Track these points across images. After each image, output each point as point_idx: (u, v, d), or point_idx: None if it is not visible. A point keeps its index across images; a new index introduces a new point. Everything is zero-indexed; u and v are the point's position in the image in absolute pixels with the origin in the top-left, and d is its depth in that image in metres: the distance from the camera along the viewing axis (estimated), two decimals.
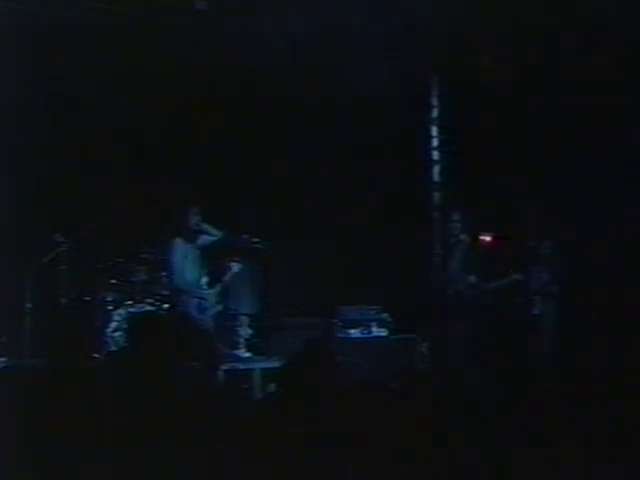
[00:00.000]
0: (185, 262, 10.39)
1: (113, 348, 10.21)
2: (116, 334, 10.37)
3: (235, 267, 10.68)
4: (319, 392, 4.84)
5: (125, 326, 9.97)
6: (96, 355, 10.18)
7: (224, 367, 10.17)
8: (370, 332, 10.56)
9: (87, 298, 10.83)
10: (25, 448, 4.46)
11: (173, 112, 11.37)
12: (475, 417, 4.86)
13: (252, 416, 4.89)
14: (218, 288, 10.58)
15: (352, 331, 10.53)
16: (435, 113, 11.73)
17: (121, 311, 10.54)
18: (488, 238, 10.72)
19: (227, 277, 10.65)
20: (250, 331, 11.22)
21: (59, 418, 4.59)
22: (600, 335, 9.79)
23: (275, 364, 9.10)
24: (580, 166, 10.91)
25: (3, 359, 9.46)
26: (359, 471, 4.54)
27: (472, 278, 10.52)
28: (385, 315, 10.65)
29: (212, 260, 10.80)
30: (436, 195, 11.75)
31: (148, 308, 10.58)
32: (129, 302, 10.64)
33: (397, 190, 11.53)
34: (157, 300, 10.79)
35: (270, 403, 4.99)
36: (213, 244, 10.65)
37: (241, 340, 11.13)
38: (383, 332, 10.58)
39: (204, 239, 10.57)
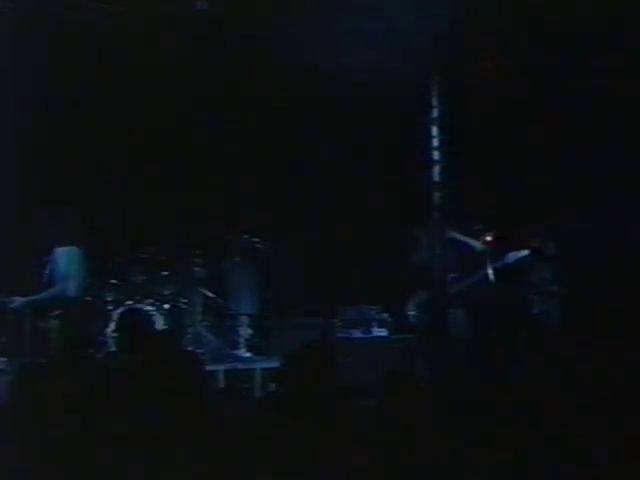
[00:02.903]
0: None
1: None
2: (116, 334, 10.36)
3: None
4: (318, 393, 4.84)
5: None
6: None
7: (224, 367, 10.22)
8: (370, 332, 10.56)
9: (87, 298, 10.83)
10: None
11: (173, 112, 11.38)
12: (474, 418, 4.86)
13: (251, 416, 4.89)
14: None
15: (352, 331, 10.53)
16: (435, 113, 11.73)
17: (121, 311, 10.54)
18: (489, 238, 10.72)
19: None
20: (250, 331, 11.24)
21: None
22: (602, 335, 9.78)
23: (275, 364, 9.10)
24: (581, 165, 10.91)
25: (3, 359, 9.46)
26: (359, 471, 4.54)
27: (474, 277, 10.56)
28: (385, 315, 10.65)
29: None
30: (437, 195, 11.74)
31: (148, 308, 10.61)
32: (129, 302, 10.65)
33: (397, 190, 11.53)
34: (157, 300, 10.81)
35: (266, 406, 4.99)
36: None
37: (241, 340, 11.15)
38: (383, 332, 10.58)
39: None
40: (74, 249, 9.75)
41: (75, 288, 9.62)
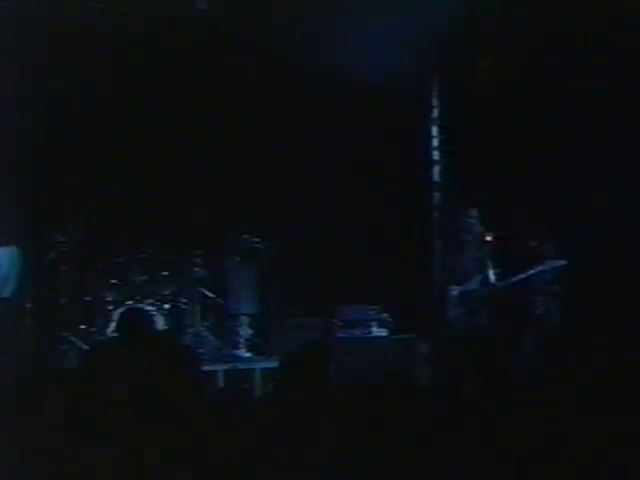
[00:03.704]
0: None
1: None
2: (116, 333, 10.36)
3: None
4: (316, 393, 4.84)
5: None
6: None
7: (224, 367, 10.23)
8: (370, 332, 10.56)
9: (87, 298, 10.85)
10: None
11: (173, 112, 11.38)
12: (474, 419, 4.86)
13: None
14: None
15: (352, 331, 10.52)
16: (435, 113, 11.73)
17: (121, 311, 10.54)
18: (489, 238, 10.72)
19: None
20: (250, 331, 11.24)
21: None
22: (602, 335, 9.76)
23: (275, 364, 9.10)
24: (581, 165, 10.91)
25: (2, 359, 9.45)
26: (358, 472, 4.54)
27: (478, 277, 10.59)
28: (385, 315, 10.65)
29: None
30: (436, 195, 11.75)
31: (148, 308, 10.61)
32: (129, 302, 10.65)
33: (397, 190, 11.54)
34: (157, 300, 10.81)
35: (265, 406, 5.00)
36: None
37: (241, 340, 11.15)
38: (383, 332, 10.58)
39: None
40: (15, 249, 9.67)
41: (12, 290, 9.53)
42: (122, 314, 9.71)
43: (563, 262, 10.45)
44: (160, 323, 10.47)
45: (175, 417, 4.69)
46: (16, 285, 9.63)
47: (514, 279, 10.52)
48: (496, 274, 10.61)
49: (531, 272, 10.45)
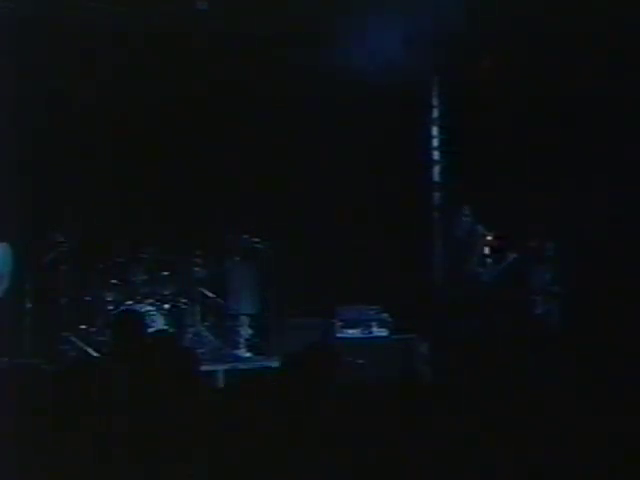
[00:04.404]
0: None
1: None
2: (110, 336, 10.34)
3: None
4: (320, 394, 4.85)
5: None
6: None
7: (224, 367, 10.23)
8: (370, 332, 10.57)
9: (87, 298, 10.84)
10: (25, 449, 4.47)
11: (173, 111, 11.38)
12: (475, 418, 4.86)
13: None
14: None
15: (352, 331, 10.53)
16: (435, 113, 11.74)
17: (116, 312, 10.53)
18: (489, 237, 10.75)
19: None
20: (250, 331, 11.24)
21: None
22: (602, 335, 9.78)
23: (275, 364, 9.10)
24: (581, 165, 10.91)
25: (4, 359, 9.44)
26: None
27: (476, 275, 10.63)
28: (385, 315, 10.65)
29: None
30: (436, 195, 11.77)
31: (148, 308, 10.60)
32: (129, 302, 10.65)
33: (397, 190, 11.54)
34: (157, 300, 10.81)
35: (266, 406, 4.99)
36: None
37: (241, 340, 11.15)
38: (383, 332, 10.59)
39: None
40: (7, 247, 9.63)
41: (5, 289, 9.49)
42: (116, 316, 9.69)
43: (515, 255, 10.64)
44: (160, 323, 10.46)
45: (174, 418, 4.69)
46: (9, 283, 9.61)
47: (487, 275, 10.61)
48: (493, 272, 10.64)
49: (500, 267, 10.59)
